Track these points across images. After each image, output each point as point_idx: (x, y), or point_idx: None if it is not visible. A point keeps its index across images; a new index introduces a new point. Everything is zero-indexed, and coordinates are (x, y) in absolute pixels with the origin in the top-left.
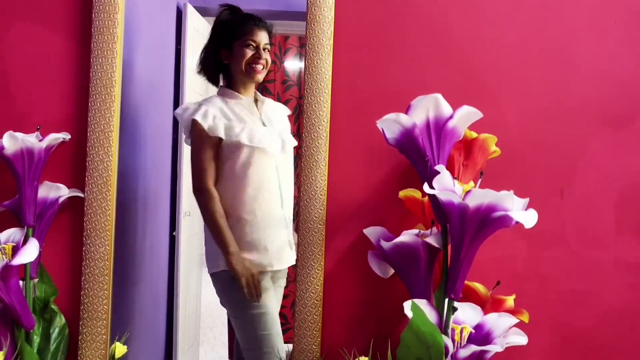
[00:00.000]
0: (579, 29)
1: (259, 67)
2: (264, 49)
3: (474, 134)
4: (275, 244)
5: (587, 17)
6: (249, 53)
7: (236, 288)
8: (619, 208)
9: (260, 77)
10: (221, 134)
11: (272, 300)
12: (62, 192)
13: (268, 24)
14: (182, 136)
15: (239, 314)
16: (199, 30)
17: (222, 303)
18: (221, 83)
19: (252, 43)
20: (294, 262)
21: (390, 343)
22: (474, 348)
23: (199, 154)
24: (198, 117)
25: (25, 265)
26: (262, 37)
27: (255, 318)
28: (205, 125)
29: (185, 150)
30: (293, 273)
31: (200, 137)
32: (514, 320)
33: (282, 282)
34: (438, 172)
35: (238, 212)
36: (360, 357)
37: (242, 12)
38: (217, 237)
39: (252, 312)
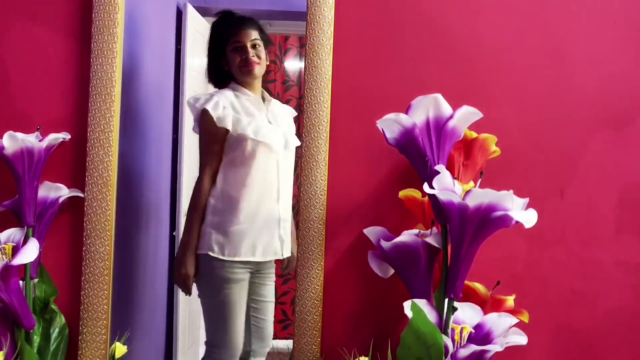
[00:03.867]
0: (579, 29)
1: (251, 62)
2: (252, 46)
3: (474, 134)
4: (264, 236)
5: (587, 17)
6: (237, 55)
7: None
8: (619, 208)
9: (257, 71)
10: (229, 125)
11: (242, 292)
12: (62, 192)
13: (255, 19)
14: (184, 129)
15: None
16: (199, 30)
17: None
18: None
19: (237, 44)
20: (280, 257)
21: (390, 343)
22: (474, 348)
23: (205, 143)
24: (209, 107)
25: (25, 265)
26: (247, 36)
27: None
28: (215, 115)
29: (186, 151)
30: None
31: (208, 127)
32: (514, 320)
33: (270, 276)
34: (438, 172)
35: (234, 201)
36: (360, 357)
37: (234, 15)
38: (187, 226)
39: None
